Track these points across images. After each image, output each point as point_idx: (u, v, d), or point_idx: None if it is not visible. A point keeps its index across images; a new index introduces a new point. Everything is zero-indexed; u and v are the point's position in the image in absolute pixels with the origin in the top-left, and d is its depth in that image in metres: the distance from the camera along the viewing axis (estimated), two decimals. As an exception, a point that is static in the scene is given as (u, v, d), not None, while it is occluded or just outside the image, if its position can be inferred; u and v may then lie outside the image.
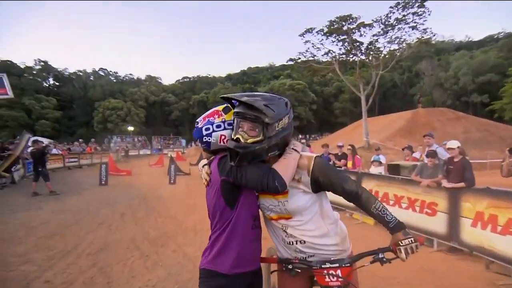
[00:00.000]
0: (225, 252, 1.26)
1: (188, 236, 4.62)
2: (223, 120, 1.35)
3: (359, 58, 17.96)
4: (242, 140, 1.20)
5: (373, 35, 16.88)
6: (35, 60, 48.20)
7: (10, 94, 8.09)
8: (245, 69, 69.83)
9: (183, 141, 45.21)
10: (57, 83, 50.75)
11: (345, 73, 24.97)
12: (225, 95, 1.38)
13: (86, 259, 3.68)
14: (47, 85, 49.45)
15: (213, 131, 1.34)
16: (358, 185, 1.30)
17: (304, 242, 1.32)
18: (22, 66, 45.56)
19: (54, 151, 14.54)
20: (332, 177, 1.26)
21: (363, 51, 17.74)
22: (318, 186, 1.27)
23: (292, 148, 1.31)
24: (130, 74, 62.11)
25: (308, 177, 1.26)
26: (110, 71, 59.18)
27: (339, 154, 7.33)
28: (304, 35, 18.19)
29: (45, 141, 21.29)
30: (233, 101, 1.29)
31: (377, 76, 17.29)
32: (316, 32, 17.85)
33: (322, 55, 18.82)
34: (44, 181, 7.93)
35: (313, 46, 18.32)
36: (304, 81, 47.16)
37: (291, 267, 1.31)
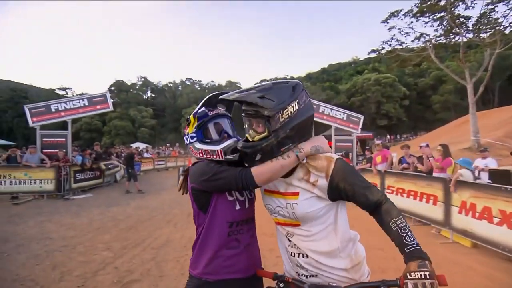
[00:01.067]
0: (200, 257, 1.29)
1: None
2: (187, 133, 1.38)
3: (463, 38, 15.00)
4: (250, 139, 1.18)
5: (487, 4, 13.78)
6: (137, 77, 58.98)
7: (111, 107, 10.11)
8: (325, 66, 67.96)
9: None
10: (153, 95, 60.70)
11: (445, 59, 21.29)
12: (216, 93, 1.42)
13: (149, 252, 4.24)
14: (146, 98, 59.68)
15: (187, 143, 1.41)
16: (383, 194, 1.12)
17: (307, 256, 1.18)
18: (129, 83, 56.46)
19: (146, 155, 17.34)
20: (356, 185, 1.10)
21: (470, 28, 14.72)
22: (336, 194, 1.13)
23: (298, 151, 1.17)
24: (212, 81, 68.77)
25: (326, 181, 1.12)
26: (195, 80, 67.10)
27: (424, 157, 6.27)
28: (388, 21, 16.42)
29: (143, 146, 25.76)
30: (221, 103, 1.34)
31: (491, 56, 14.07)
32: (403, 14, 15.85)
33: (413, 41, 16.58)
34: (133, 181, 9.57)
35: (400, 32, 16.36)
36: (393, 74, 42.48)
37: (282, 286, 1.20)
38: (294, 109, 1.14)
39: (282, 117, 1.11)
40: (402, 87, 43.89)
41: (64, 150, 8.92)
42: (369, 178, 7.24)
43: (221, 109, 1.43)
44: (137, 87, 57.44)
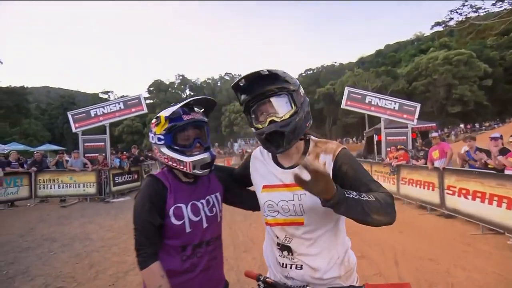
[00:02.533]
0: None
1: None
2: (154, 133, 1.33)
3: None
4: (277, 120, 1.15)
5: None
6: (175, 75, 62.58)
7: (145, 110, 11.04)
8: (381, 48, 64.14)
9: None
10: (191, 93, 63.77)
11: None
12: (199, 97, 1.37)
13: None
14: (184, 96, 63.01)
15: (151, 142, 1.38)
16: (389, 192, 1.10)
17: (301, 267, 1.21)
18: (167, 82, 60.19)
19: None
20: (359, 172, 1.15)
21: None
22: (338, 178, 1.14)
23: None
24: (253, 75, 69.69)
25: (331, 162, 1.18)
26: (235, 75, 68.73)
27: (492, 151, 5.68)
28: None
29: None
30: (240, 83, 1.20)
31: None
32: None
33: (494, 4, 14.68)
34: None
35: (473, -4, 14.68)
36: (467, 49, 38.33)
37: (262, 287, 1.29)
38: (303, 91, 1.25)
39: (302, 92, 1.22)
40: (481, 64, 39.33)
41: (103, 154, 10.03)
42: (424, 176, 6.80)
43: (198, 114, 1.37)
44: (175, 86, 61.03)
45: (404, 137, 9.20)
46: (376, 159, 11.06)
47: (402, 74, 45.79)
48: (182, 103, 1.30)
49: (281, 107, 1.17)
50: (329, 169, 1.16)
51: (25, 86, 48.76)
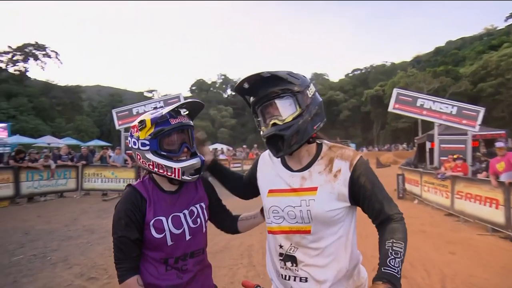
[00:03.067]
0: None
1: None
2: (137, 138, 1.29)
3: None
4: (279, 123, 1.15)
5: None
6: (217, 74, 64.46)
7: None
8: (442, 45, 59.90)
9: (353, 146, 44.97)
10: (233, 93, 65.21)
11: None
12: (189, 101, 1.38)
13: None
14: (226, 96, 64.61)
15: (132, 146, 1.34)
16: (400, 213, 1.14)
17: (306, 280, 1.18)
18: (209, 82, 62.26)
19: (222, 156, 18.87)
20: (376, 186, 1.15)
21: None
22: (355, 190, 1.15)
23: None
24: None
25: (349, 171, 1.16)
26: (277, 75, 68.74)
27: None
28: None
29: (223, 147, 28.10)
30: (244, 85, 1.21)
31: None
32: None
33: None
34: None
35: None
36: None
37: None
38: (313, 91, 1.22)
39: (310, 93, 1.19)
40: None
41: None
42: (486, 192, 6.17)
43: (184, 117, 1.34)
44: (217, 86, 62.91)
45: (463, 145, 8.40)
46: (428, 168, 10.31)
47: (466, 74, 42.11)
48: (168, 108, 1.28)
49: (285, 109, 1.16)
50: (346, 177, 1.15)
51: (80, 85, 53.91)
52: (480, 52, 47.22)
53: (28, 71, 46.76)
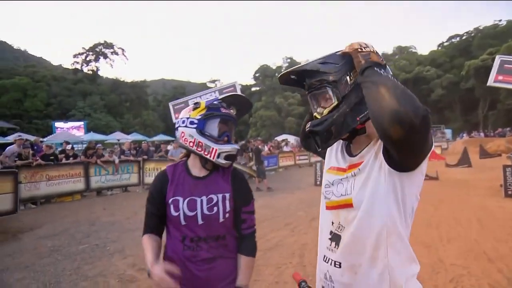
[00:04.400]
0: None
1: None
2: (188, 116, 1.56)
3: None
4: (318, 117, 1.20)
5: None
6: (282, 58, 64.37)
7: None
8: None
9: (448, 132, 40.64)
10: (300, 78, 64.60)
11: None
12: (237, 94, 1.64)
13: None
14: (293, 81, 64.28)
15: (179, 126, 1.58)
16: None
17: (339, 265, 1.17)
18: (274, 67, 62.57)
19: (286, 148, 19.04)
20: None
21: None
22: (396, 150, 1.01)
23: None
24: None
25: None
26: (351, 53, 65.75)
27: None
28: None
29: (290, 137, 28.22)
30: (291, 75, 1.30)
31: None
32: None
33: None
34: (262, 178, 10.94)
35: None
36: None
37: None
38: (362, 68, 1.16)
39: (351, 79, 1.14)
40: None
41: (173, 158, 11.38)
42: None
43: (233, 111, 1.63)
44: (282, 70, 62.68)
45: None
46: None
47: None
48: (221, 97, 1.62)
49: (325, 102, 1.20)
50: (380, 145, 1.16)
51: (145, 80, 59.53)
52: None
53: (99, 70, 53.75)
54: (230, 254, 1.60)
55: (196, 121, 1.52)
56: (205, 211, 1.52)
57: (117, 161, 11.17)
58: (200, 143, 1.50)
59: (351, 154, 1.27)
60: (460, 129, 44.50)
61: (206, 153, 1.50)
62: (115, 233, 6.23)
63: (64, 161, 10.31)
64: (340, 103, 1.13)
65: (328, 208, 1.29)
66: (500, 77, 8.53)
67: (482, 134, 37.40)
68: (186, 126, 1.54)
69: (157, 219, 1.61)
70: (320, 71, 1.14)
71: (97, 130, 35.56)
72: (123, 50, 54.61)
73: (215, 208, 1.54)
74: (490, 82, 8.76)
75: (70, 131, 28.80)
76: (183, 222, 1.52)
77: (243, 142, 15.11)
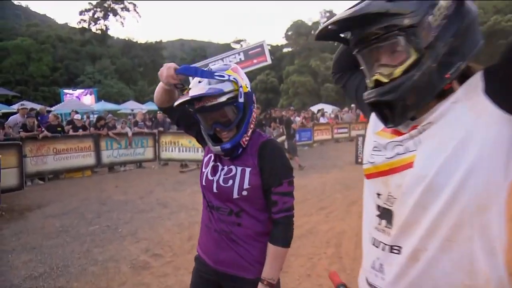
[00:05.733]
0: None
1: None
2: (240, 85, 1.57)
3: None
4: (384, 79, 0.99)
5: None
6: (320, 12, 62.19)
7: (269, 61, 11.67)
8: None
9: None
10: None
11: None
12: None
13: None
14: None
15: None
16: None
17: (398, 251, 1.02)
18: (310, 23, 60.68)
19: (322, 120, 18.70)
20: None
21: None
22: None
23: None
24: None
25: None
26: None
27: None
28: None
29: (327, 107, 27.70)
30: (330, 26, 1.03)
31: None
32: None
33: None
34: (292, 155, 10.81)
35: None
36: None
37: None
38: (449, 4, 0.93)
39: (436, 19, 0.92)
40: None
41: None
42: None
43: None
44: (319, 27, 60.79)
45: None
46: None
47: None
48: None
49: (392, 58, 0.98)
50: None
51: (161, 41, 59.79)
52: None
53: (109, 29, 54.24)
54: (244, 240, 1.59)
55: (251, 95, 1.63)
56: (221, 182, 1.58)
57: (130, 133, 11.43)
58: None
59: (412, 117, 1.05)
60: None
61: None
62: (127, 214, 6.44)
63: (71, 132, 10.64)
64: (422, 57, 0.92)
65: (372, 175, 1.14)
66: None
67: None
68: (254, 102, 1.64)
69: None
70: (389, 13, 0.90)
71: (109, 98, 36.45)
72: (134, 5, 54.73)
73: (230, 181, 1.56)
74: None
75: (81, 99, 29.66)
76: (203, 182, 1.66)
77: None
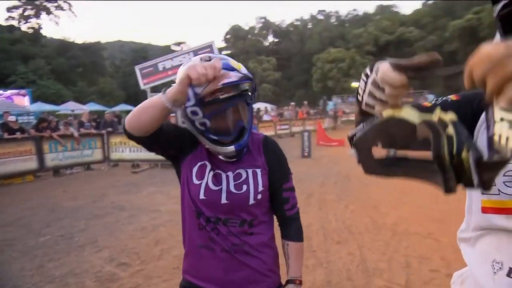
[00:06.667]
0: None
1: (380, 236, 4.54)
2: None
3: None
4: None
5: None
6: (256, 18, 62.67)
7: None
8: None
9: (431, 97, 41.80)
10: (275, 40, 63.36)
11: None
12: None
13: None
14: (267, 44, 63.07)
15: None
16: None
17: None
18: (247, 28, 60.88)
19: (266, 117, 18.64)
20: None
21: None
22: None
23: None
24: (354, 10, 65.08)
25: None
26: (330, 12, 65.15)
27: None
28: None
29: (266, 106, 27.78)
30: None
31: None
32: None
33: None
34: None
35: None
36: None
37: None
38: None
39: None
40: None
41: (173, 115, 10.71)
42: None
43: None
44: (256, 32, 61.34)
45: None
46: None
47: None
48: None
49: None
50: None
51: (99, 42, 55.97)
52: None
53: (41, 28, 49.36)
54: (258, 250, 1.35)
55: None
56: (232, 189, 1.29)
57: (76, 134, 10.32)
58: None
59: None
60: (441, 95, 45.87)
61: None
62: (81, 221, 5.67)
63: (6, 136, 9.26)
64: None
65: (497, 211, 0.83)
66: None
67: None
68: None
69: (169, 136, 1.32)
70: None
71: (46, 99, 33.25)
72: (69, 5, 50.49)
73: (244, 187, 1.30)
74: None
75: (13, 99, 26.58)
76: (201, 196, 1.29)
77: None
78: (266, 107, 23.02)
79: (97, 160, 11.03)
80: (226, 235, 1.30)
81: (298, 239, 1.44)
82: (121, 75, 53.21)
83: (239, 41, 58.84)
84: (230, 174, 1.32)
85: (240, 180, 1.31)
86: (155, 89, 11.22)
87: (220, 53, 12.53)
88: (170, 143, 1.33)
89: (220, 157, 1.30)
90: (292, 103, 24.17)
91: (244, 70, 1.26)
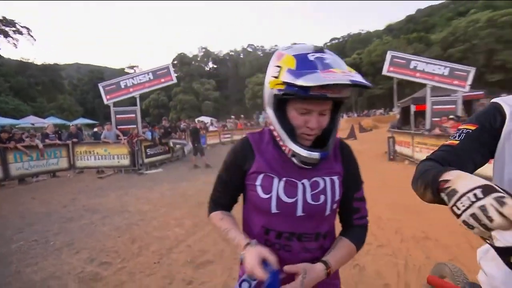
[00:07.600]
0: None
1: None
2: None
3: None
4: None
5: None
6: (198, 48, 61.62)
7: (174, 80, 10.67)
8: (412, 13, 59.38)
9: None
10: (215, 66, 62.95)
11: None
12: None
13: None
14: (208, 69, 62.34)
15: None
16: None
17: None
18: (191, 55, 59.42)
19: (212, 128, 18.23)
20: None
21: None
22: None
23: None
24: (275, 46, 67.42)
25: None
26: (257, 46, 66.76)
27: None
28: None
29: (208, 119, 27.25)
30: None
31: None
32: None
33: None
34: (200, 155, 10.10)
35: None
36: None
37: None
38: None
39: None
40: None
41: (134, 126, 9.88)
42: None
43: None
44: (198, 59, 60.28)
45: (453, 106, 8.23)
46: (413, 130, 10.21)
47: (436, 40, 42.14)
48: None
49: None
50: None
51: (58, 63, 49.95)
52: (448, 19, 47.13)
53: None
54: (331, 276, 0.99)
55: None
56: (309, 200, 0.94)
57: (41, 145, 8.91)
58: None
59: None
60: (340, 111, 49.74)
61: None
62: (54, 225, 4.84)
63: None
64: None
65: None
66: (391, 68, 9.32)
67: (355, 114, 42.29)
68: None
69: (231, 194, 1.10)
70: None
71: (5, 114, 28.59)
72: (28, 29, 44.15)
73: (322, 197, 0.95)
74: (384, 72, 9.53)
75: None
76: (274, 210, 0.94)
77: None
78: (211, 120, 22.56)
79: (63, 168, 9.64)
80: (299, 252, 0.97)
81: (359, 244, 1.02)
82: (79, 92, 48.25)
83: (185, 66, 57.17)
84: (306, 182, 0.96)
85: (318, 190, 0.96)
86: (118, 104, 10.28)
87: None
88: (240, 185, 1.05)
89: (294, 160, 0.92)
90: (233, 117, 24.12)
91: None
